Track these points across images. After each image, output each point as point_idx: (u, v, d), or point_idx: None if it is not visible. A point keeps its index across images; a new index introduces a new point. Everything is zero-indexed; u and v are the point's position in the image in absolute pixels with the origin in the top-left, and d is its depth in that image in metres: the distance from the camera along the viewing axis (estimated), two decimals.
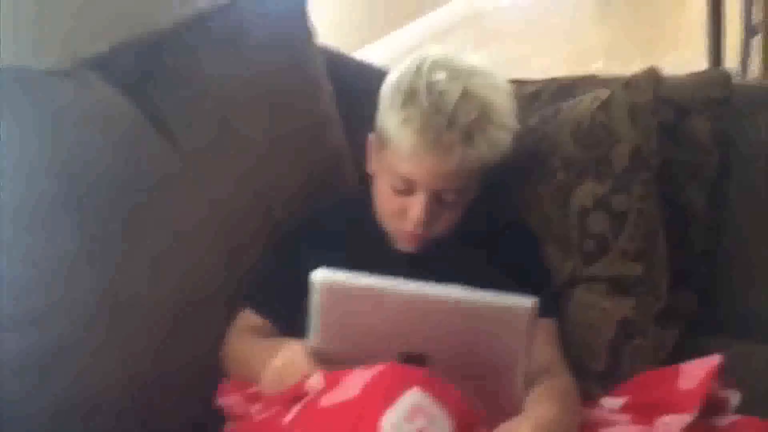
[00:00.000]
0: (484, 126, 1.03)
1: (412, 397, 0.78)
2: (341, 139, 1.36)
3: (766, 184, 1.16)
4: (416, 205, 1.04)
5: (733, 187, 1.17)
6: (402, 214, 1.07)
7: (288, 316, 1.12)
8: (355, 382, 0.81)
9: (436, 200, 1.05)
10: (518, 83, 1.27)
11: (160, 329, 1.10)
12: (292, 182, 1.26)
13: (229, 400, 1.09)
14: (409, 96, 1.03)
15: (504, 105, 1.06)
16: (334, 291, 0.89)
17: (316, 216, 1.20)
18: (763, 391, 1.05)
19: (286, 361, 0.95)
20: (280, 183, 1.25)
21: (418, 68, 1.05)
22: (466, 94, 1.02)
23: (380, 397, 0.78)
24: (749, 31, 2.82)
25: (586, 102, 1.13)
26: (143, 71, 1.16)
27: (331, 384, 0.85)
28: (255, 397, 1.02)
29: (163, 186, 1.12)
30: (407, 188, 1.05)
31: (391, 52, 3.19)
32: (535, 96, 1.25)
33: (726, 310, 1.19)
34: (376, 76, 1.15)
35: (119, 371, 1.04)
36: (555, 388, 0.94)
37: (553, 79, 1.28)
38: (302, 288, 1.12)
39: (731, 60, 2.84)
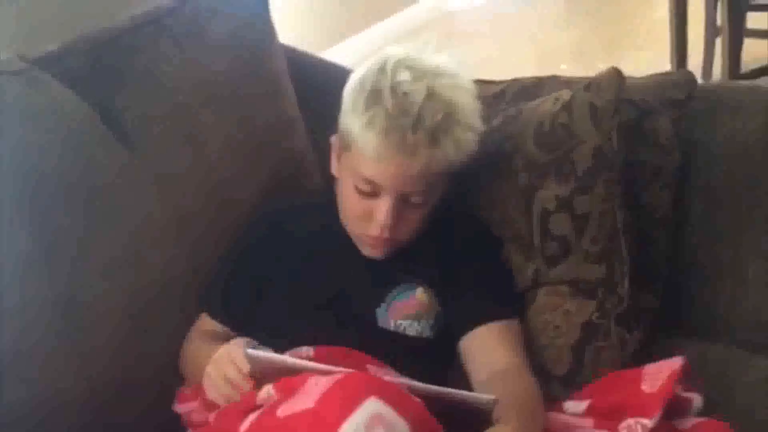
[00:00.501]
0: (449, 127, 1.01)
1: (371, 405, 0.76)
2: (304, 139, 1.34)
3: (727, 186, 1.16)
4: (382, 208, 1.02)
5: (694, 189, 1.17)
6: (367, 218, 1.04)
7: (245, 321, 1.10)
8: (312, 391, 0.79)
9: (402, 202, 1.03)
10: (482, 83, 1.26)
11: (117, 333, 1.08)
12: (253, 184, 1.24)
13: (187, 406, 1.07)
14: (373, 97, 1.01)
15: (469, 105, 1.05)
16: (260, 362, 0.89)
17: (278, 219, 1.17)
18: (723, 391, 1.06)
19: (222, 352, 0.95)
20: (240, 184, 1.22)
21: (382, 69, 1.03)
22: (431, 95, 1.00)
23: (338, 406, 0.75)
24: (712, 32, 2.85)
25: (548, 103, 1.12)
26: (96, 70, 1.14)
27: (287, 393, 0.82)
28: (214, 404, 1.00)
29: (118, 186, 1.10)
30: (372, 191, 1.03)
31: (359, 53, 3.16)
32: (498, 96, 1.24)
33: (687, 311, 1.18)
34: (341, 75, 1.13)
35: (76, 375, 1.03)
36: (516, 399, 0.92)
37: (516, 80, 1.27)
38: (260, 294, 1.11)
39: (695, 61, 2.87)
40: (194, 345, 1.11)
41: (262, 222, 1.18)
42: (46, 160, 1.04)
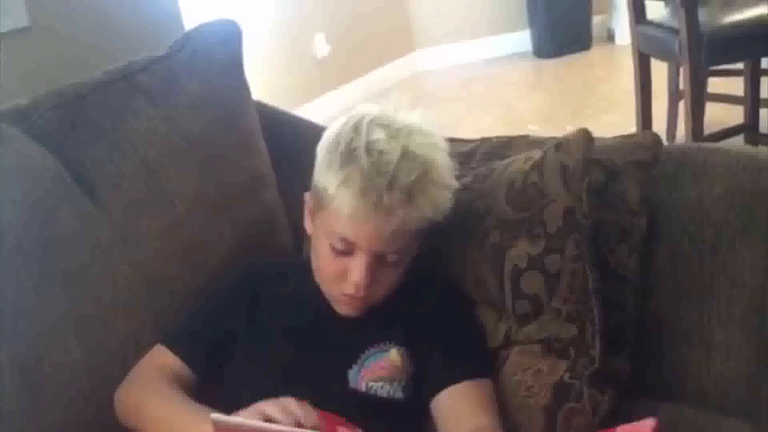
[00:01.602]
0: (425, 186, 1.01)
1: None
2: (276, 196, 1.33)
3: (692, 249, 1.17)
4: (357, 268, 1.01)
5: (660, 251, 1.18)
6: (342, 277, 1.03)
7: (205, 363, 1.07)
8: None
9: (377, 261, 1.02)
10: (452, 141, 1.27)
11: (79, 397, 1.04)
12: (224, 241, 1.22)
13: None
14: (348, 156, 1.01)
15: (444, 163, 1.05)
16: (227, 426, 0.85)
17: (252, 274, 1.16)
18: None
19: None
20: (211, 242, 1.21)
21: (356, 127, 1.03)
22: (406, 154, 1.00)
23: None
24: (675, 96, 2.93)
25: (519, 162, 1.13)
26: (66, 125, 1.13)
27: None
28: None
29: (83, 245, 1.08)
30: (347, 249, 1.02)
31: (329, 113, 3.19)
32: (469, 155, 1.25)
33: (657, 374, 1.18)
34: (313, 132, 1.14)
35: None
36: None
37: (486, 139, 1.28)
38: (227, 347, 1.08)
39: (659, 124, 2.94)
40: (157, 399, 1.04)
41: (238, 277, 1.16)
42: (13, 219, 1.02)
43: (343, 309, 1.07)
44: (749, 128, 2.73)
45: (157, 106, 1.20)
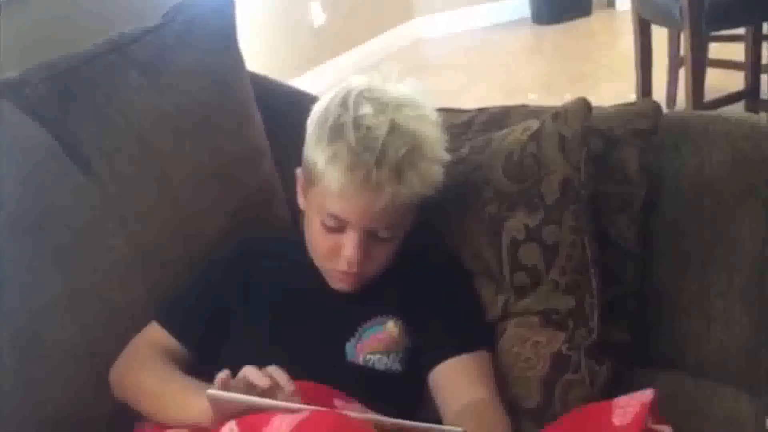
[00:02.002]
0: (414, 161, 0.99)
1: None
2: (272, 170, 1.32)
3: (692, 219, 1.16)
4: (349, 244, 1.00)
5: (660, 220, 1.17)
6: (335, 253, 1.02)
7: (199, 339, 1.07)
8: (276, 431, 0.76)
9: (369, 237, 1.01)
10: (449, 112, 1.26)
11: (76, 369, 1.04)
12: (220, 217, 1.21)
13: None
14: (336, 132, 0.99)
15: (434, 137, 1.03)
16: (223, 401, 0.86)
17: (251, 251, 1.15)
18: (693, 424, 1.05)
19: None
20: (207, 218, 1.20)
21: (344, 101, 1.01)
22: (394, 128, 0.98)
23: None
24: (676, 63, 2.90)
25: (516, 133, 1.12)
26: (57, 98, 1.11)
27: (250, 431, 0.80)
28: None
29: (77, 219, 1.07)
30: (339, 226, 1.01)
31: (326, 83, 3.16)
32: (466, 125, 1.23)
33: (656, 343, 1.18)
34: (310, 103, 1.11)
35: (32, 412, 0.98)
36: None
37: (484, 109, 1.26)
38: (223, 324, 1.08)
39: (659, 91, 2.92)
40: (156, 368, 1.04)
41: (233, 252, 1.15)
42: (6, 193, 1.01)
43: (337, 284, 1.06)
44: (750, 94, 2.71)
45: (150, 77, 1.18)
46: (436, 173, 1.03)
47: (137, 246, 1.11)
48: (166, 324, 1.09)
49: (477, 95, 3.47)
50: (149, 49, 1.20)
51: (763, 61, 2.72)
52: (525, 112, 1.22)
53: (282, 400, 0.87)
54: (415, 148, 0.99)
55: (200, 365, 1.06)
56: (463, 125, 1.23)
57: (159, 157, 1.16)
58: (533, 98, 3.33)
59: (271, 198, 1.30)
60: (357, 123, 0.98)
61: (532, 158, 1.07)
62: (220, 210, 1.21)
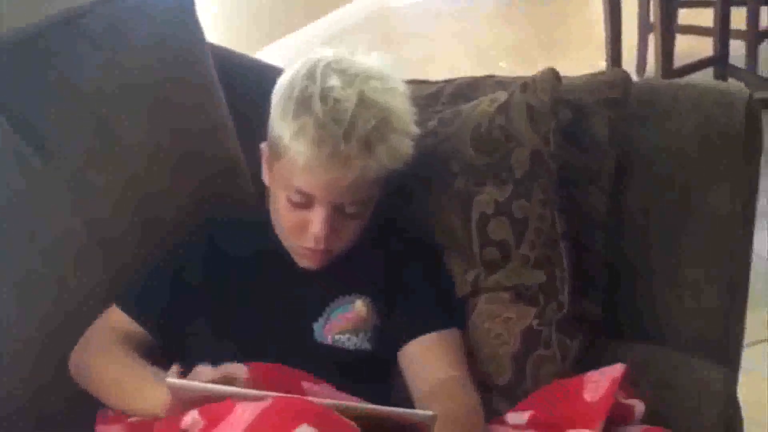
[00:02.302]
0: (383, 134, 0.96)
1: None
2: (235, 145, 1.28)
3: (662, 188, 1.15)
4: (316, 220, 0.98)
5: (629, 191, 1.15)
6: (302, 230, 1.00)
7: (161, 324, 1.04)
8: (239, 419, 0.74)
9: (337, 213, 0.99)
10: (417, 84, 1.23)
11: (31, 355, 1.01)
12: (182, 194, 1.17)
13: (110, 429, 1.00)
14: (303, 105, 0.96)
15: (403, 109, 1.01)
16: (184, 390, 0.84)
17: (214, 231, 1.11)
18: (666, 396, 1.05)
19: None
20: (168, 195, 1.16)
21: (310, 74, 0.98)
22: (362, 101, 0.95)
23: None
24: (645, 29, 2.89)
25: (484, 104, 1.09)
26: (8, 75, 1.06)
27: (213, 420, 0.77)
28: (138, 428, 0.94)
29: (31, 200, 1.03)
30: (305, 202, 0.98)
31: (292, 55, 3.11)
32: (434, 97, 1.20)
33: (627, 315, 1.17)
34: (275, 76, 1.07)
35: None
36: (456, 413, 0.89)
37: (452, 80, 1.24)
38: (188, 308, 1.05)
39: (630, 58, 2.91)
40: (115, 355, 1.01)
41: (195, 233, 1.11)
42: None
43: (304, 262, 1.04)
44: (719, 60, 2.71)
45: (104, 52, 1.13)
46: (405, 146, 1.00)
47: (95, 228, 1.07)
48: (126, 307, 1.06)
49: (446, 64, 3.44)
50: (103, 22, 1.15)
51: (732, 27, 2.71)
52: (493, 82, 1.20)
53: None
54: (384, 121, 0.97)
55: (165, 350, 1.03)
56: (430, 97, 1.20)
57: (116, 136, 1.11)
58: (503, 67, 3.31)
59: (236, 175, 1.26)
60: (324, 95, 0.95)
61: (500, 130, 1.05)
62: (181, 189, 1.17)
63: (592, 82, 1.15)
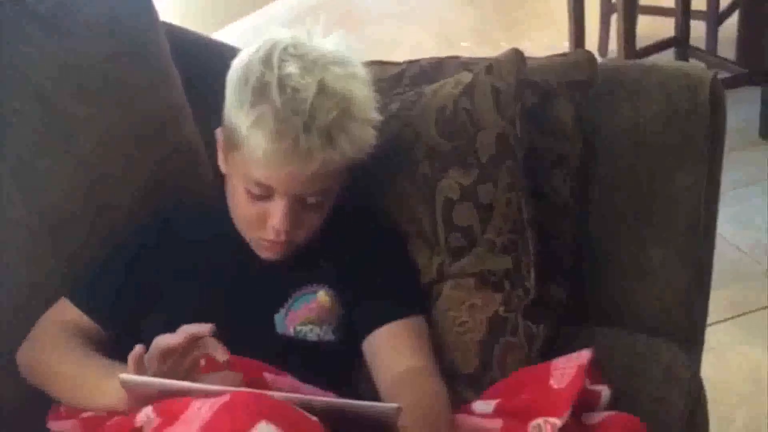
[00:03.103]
0: (345, 124, 0.93)
1: (262, 431, 0.69)
2: (193, 130, 1.23)
3: (627, 172, 1.14)
4: (276, 212, 0.94)
5: (594, 175, 1.14)
6: (261, 222, 0.96)
7: (115, 317, 1.01)
8: (195, 417, 0.71)
9: (298, 204, 0.95)
10: (378, 65, 1.20)
11: None
12: (136, 181, 1.12)
13: (62, 425, 0.96)
14: (259, 93, 0.91)
15: (364, 96, 0.96)
16: (137, 385, 0.80)
17: (168, 220, 1.07)
18: (631, 381, 1.04)
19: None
20: (121, 182, 1.11)
21: (267, 59, 0.93)
22: (322, 90, 0.91)
23: None
24: (607, 9, 2.88)
25: (448, 86, 1.07)
26: None
27: (168, 417, 0.74)
28: (91, 424, 0.90)
29: None
30: (264, 194, 0.94)
31: (252, 35, 3.05)
32: (396, 79, 1.17)
33: (593, 300, 1.16)
34: (234, 57, 1.03)
35: None
36: (420, 404, 0.87)
37: (415, 62, 1.20)
38: (144, 300, 1.01)
39: (593, 40, 2.90)
40: (64, 356, 0.97)
41: (151, 222, 1.07)
42: None
43: (264, 254, 1.00)
44: (680, 41, 2.71)
45: (51, 32, 1.07)
46: (368, 135, 0.97)
47: (46, 219, 1.03)
48: (75, 300, 1.01)
49: (409, 45, 3.40)
50: (49, 2, 1.10)
51: (693, 8, 2.72)
52: (457, 63, 1.17)
53: (213, 374, 0.82)
54: (345, 110, 0.93)
55: (119, 345, 0.99)
56: (392, 79, 1.17)
57: (64, 120, 1.06)
58: (466, 46, 3.28)
59: (193, 160, 1.22)
60: (282, 84, 0.91)
61: (465, 113, 1.03)
62: (135, 175, 1.12)
63: (557, 63, 1.13)
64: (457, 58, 1.20)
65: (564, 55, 1.18)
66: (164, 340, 0.82)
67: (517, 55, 1.02)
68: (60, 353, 0.97)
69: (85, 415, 0.92)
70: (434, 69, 1.17)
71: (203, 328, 0.82)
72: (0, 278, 0.99)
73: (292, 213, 0.94)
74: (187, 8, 3.00)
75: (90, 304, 1.01)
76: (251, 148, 0.92)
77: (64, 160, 1.06)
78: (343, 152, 0.93)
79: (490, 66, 1.03)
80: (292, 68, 0.92)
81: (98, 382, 0.90)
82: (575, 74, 1.11)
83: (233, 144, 0.95)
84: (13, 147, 1.02)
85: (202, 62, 1.30)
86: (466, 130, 1.03)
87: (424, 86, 1.12)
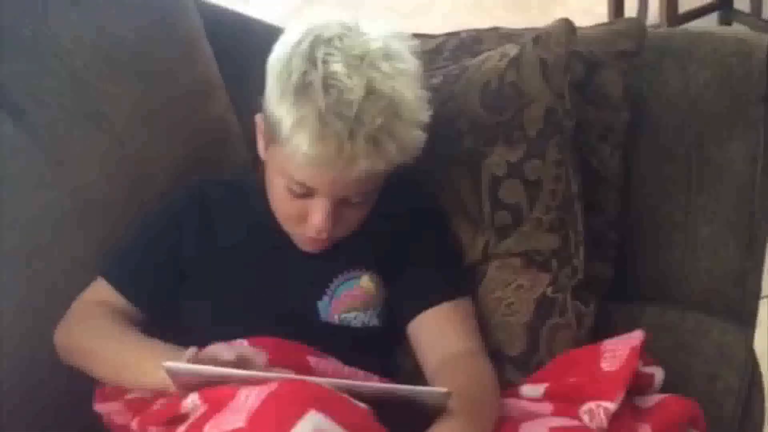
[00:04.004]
0: (393, 129, 0.87)
1: (311, 421, 0.67)
2: (226, 107, 1.21)
3: (676, 143, 1.10)
4: (317, 212, 0.90)
5: (642, 146, 1.10)
6: (301, 219, 0.92)
7: (153, 300, 0.98)
8: (242, 406, 0.70)
9: (340, 203, 0.91)
10: (417, 37, 1.16)
11: (22, 343, 0.96)
12: (169, 159, 1.11)
13: (107, 406, 0.96)
14: (302, 92, 0.86)
15: (414, 97, 0.90)
16: (183, 373, 0.79)
17: (203, 195, 1.03)
18: (681, 360, 1.02)
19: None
20: (154, 161, 1.09)
21: (310, 54, 0.87)
22: (370, 91, 0.85)
23: (273, 425, 0.66)
24: None
25: (494, 59, 1.02)
26: None
27: (215, 405, 0.73)
28: (137, 405, 0.89)
29: (14, 173, 0.97)
30: (306, 193, 0.90)
31: (283, 10, 3.00)
32: (436, 52, 1.13)
33: (639, 275, 1.13)
34: (265, 33, 1.00)
35: None
36: (468, 387, 0.85)
37: (454, 34, 1.16)
38: (180, 281, 0.99)
39: (630, 5, 2.82)
40: (104, 337, 0.95)
41: (191, 195, 1.03)
42: None
43: (305, 247, 0.97)
44: (723, 5, 2.62)
45: (82, 11, 1.05)
46: (416, 139, 0.91)
47: (81, 199, 1.01)
48: (113, 281, 0.99)
49: (440, 11, 3.34)
50: None
51: None
52: (498, 35, 1.13)
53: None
54: (393, 114, 0.87)
55: (156, 324, 0.97)
56: (432, 52, 1.13)
57: (96, 98, 1.04)
58: (499, 15, 3.21)
59: (226, 137, 1.20)
60: (327, 83, 0.85)
61: (511, 87, 0.99)
62: (169, 154, 1.10)
63: (603, 32, 1.09)
64: (497, 29, 1.15)
65: (610, 23, 1.13)
66: (218, 353, 0.80)
67: (566, 25, 0.98)
68: (98, 333, 0.95)
69: (129, 396, 0.91)
70: (475, 41, 1.13)
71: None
72: (34, 258, 0.98)
73: (334, 213, 0.90)
74: None
75: (127, 284, 0.98)
76: (292, 149, 0.87)
77: (100, 139, 1.04)
78: (388, 158, 0.88)
79: (538, 37, 0.99)
80: (337, 66, 0.86)
81: (139, 362, 0.88)
82: (623, 43, 1.06)
83: (274, 138, 0.91)
84: (47, 126, 1.01)
85: (234, 38, 1.27)
86: (512, 103, 0.99)
87: (465, 59, 1.08)
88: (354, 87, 0.85)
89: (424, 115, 0.92)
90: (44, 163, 1.00)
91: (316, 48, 0.87)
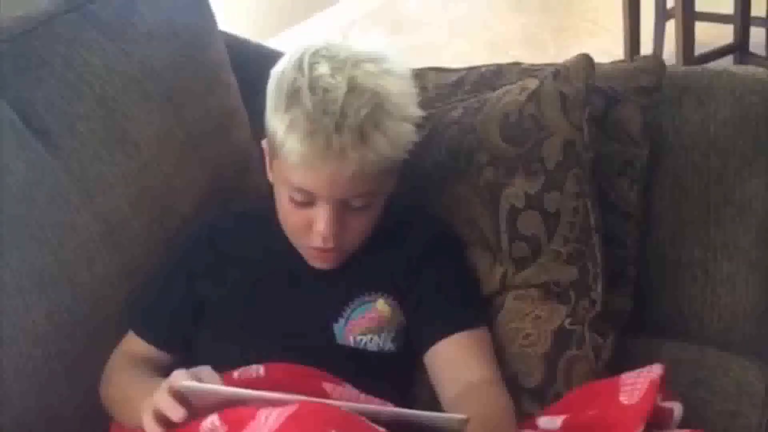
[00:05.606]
0: (378, 121, 0.90)
1: None
2: (248, 135, 1.23)
3: (696, 179, 1.10)
4: (321, 218, 0.92)
5: (661, 182, 1.11)
6: (307, 229, 0.94)
7: (178, 343, 1.00)
8: (262, 427, 0.70)
9: (343, 208, 0.93)
10: (438, 71, 1.18)
11: (43, 363, 0.96)
12: (193, 185, 1.13)
13: None
14: (292, 98, 0.90)
15: (400, 92, 0.93)
16: (198, 394, 0.79)
17: (218, 230, 1.06)
18: (700, 396, 1.01)
19: (163, 386, 0.82)
20: (179, 186, 1.11)
21: (299, 64, 0.91)
22: (353, 87, 0.89)
23: None
24: (662, 16, 2.83)
25: (513, 93, 1.04)
26: (12, 63, 1.02)
27: (235, 427, 0.73)
28: None
29: (41, 196, 0.98)
30: (307, 200, 0.93)
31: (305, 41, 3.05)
32: (456, 86, 1.15)
33: (658, 310, 1.13)
34: None
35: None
36: (486, 417, 0.85)
37: (474, 68, 1.18)
38: (199, 315, 1.01)
39: (645, 46, 2.84)
40: (123, 376, 0.99)
41: (200, 233, 1.06)
42: None
43: (316, 263, 0.98)
44: (739, 48, 2.64)
45: (112, 39, 1.08)
46: (405, 132, 0.93)
47: (106, 223, 1.03)
48: (140, 332, 1.03)
49: (458, 51, 3.38)
50: (110, 8, 1.10)
51: (753, 13, 2.65)
52: (518, 70, 1.14)
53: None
54: (378, 107, 0.90)
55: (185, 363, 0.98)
56: (452, 85, 1.15)
57: (125, 126, 1.07)
58: (515, 54, 3.25)
59: (248, 166, 1.22)
60: (313, 86, 0.89)
61: (531, 119, 1.00)
62: (193, 180, 1.12)
63: (623, 69, 1.10)
64: (518, 64, 1.17)
65: (630, 60, 1.15)
66: (176, 380, 0.81)
67: (585, 60, 0.99)
68: (116, 381, 0.99)
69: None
70: (495, 75, 1.15)
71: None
72: (60, 284, 0.99)
73: (336, 218, 0.92)
74: (243, 16, 3.02)
75: (155, 334, 1.02)
76: (287, 153, 0.90)
77: (126, 165, 1.06)
78: (378, 150, 0.90)
79: (558, 72, 1.00)
80: (322, 69, 0.90)
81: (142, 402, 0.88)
82: (642, 79, 1.07)
83: (274, 151, 0.94)
84: (75, 150, 1.03)
85: (259, 70, 1.29)
86: (531, 136, 1.00)
87: (485, 92, 1.10)
88: (338, 84, 0.88)
89: (414, 110, 0.95)
90: (73, 188, 1.02)
91: (303, 58, 0.91)
